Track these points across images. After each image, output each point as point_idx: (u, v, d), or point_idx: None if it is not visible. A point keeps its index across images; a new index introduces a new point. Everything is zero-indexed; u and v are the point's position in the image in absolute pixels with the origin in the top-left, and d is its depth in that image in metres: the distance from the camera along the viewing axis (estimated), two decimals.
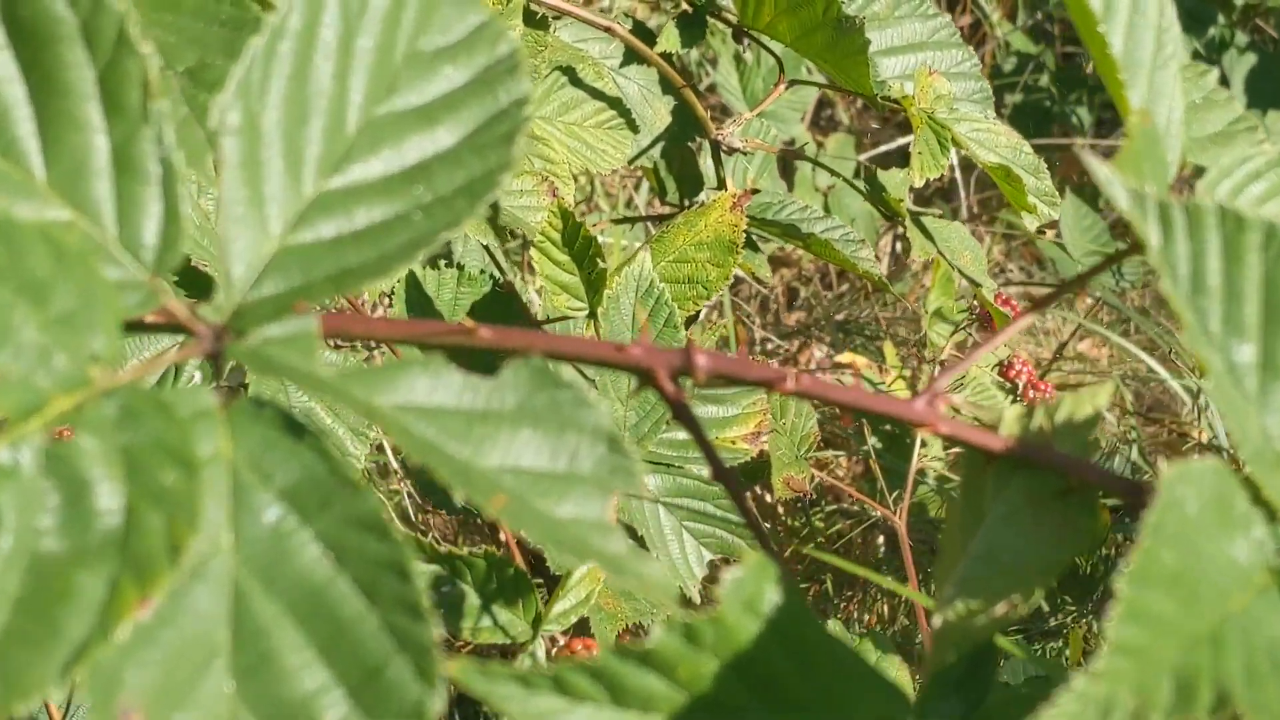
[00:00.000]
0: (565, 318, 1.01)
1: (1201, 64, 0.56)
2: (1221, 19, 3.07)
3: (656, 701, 0.43)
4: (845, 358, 2.28)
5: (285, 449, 0.40)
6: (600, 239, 1.16)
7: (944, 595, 0.50)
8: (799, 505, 2.10)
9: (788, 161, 2.49)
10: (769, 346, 2.65)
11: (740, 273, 1.52)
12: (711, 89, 2.68)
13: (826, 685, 0.45)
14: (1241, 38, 3.09)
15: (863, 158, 2.52)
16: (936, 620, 0.49)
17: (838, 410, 2.00)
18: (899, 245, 2.78)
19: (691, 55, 2.68)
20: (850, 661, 0.47)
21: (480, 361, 0.49)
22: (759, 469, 1.47)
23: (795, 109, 2.50)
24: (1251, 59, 3.00)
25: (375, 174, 0.44)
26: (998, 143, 1.13)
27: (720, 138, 1.16)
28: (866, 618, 1.96)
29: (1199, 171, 0.53)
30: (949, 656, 0.47)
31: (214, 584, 0.39)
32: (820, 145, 2.62)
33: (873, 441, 2.00)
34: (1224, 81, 2.98)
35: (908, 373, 2.12)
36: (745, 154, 1.18)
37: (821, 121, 3.05)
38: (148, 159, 0.41)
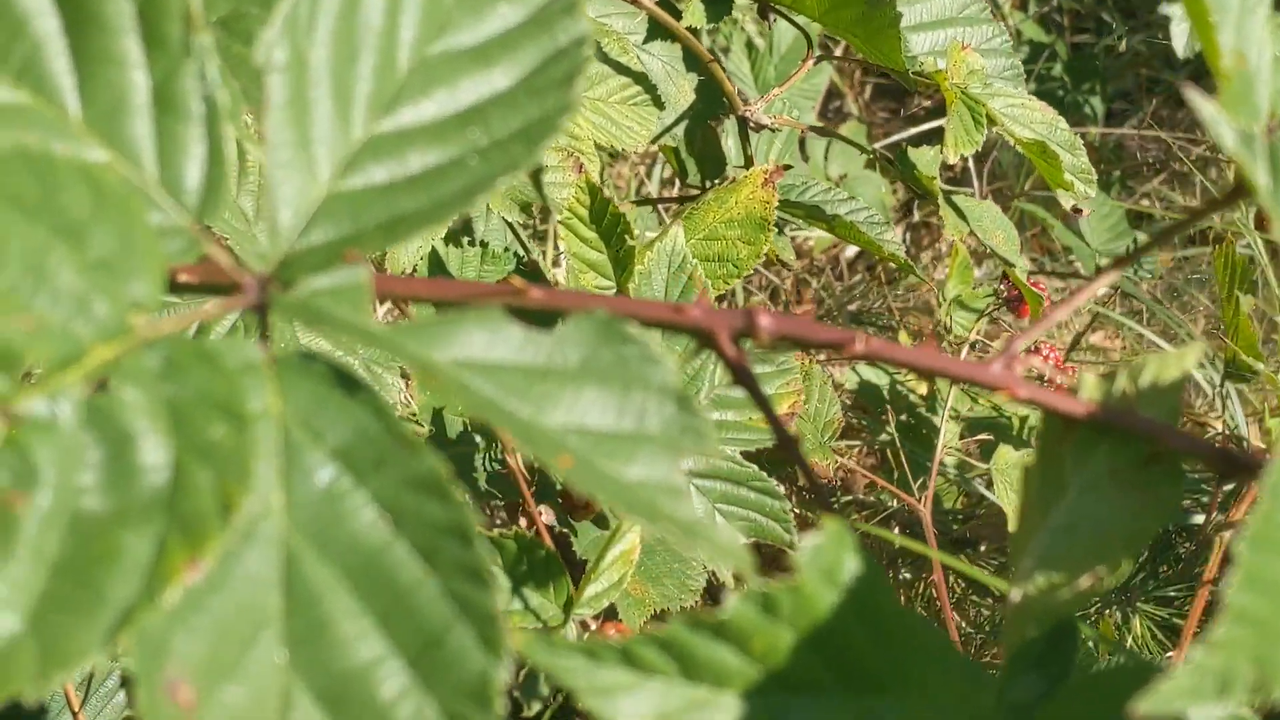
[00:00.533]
0: None
1: (1278, 15, 0.54)
2: None
3: (730, 676, 0.40)
4: None
5: (337, 405, 0.38)
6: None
7: (1022, 568, 0.47)
8: (811, 495, 2.07)
9: (801, 149, 2.47)
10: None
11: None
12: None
13: (905, 662, 0.43)
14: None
15: (876, 146, 2.49)
16: (1015, 595, 0.47)
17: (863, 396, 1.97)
18: (908, 235, 2.76)
19: (703, 42, 2.66)
20: (929, 637, 0.44)
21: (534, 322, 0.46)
22: (781, 458, 1.45)
23: (808, 97, 2.48)
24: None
25: (428, 116, 0.41)
26: (1033, 119, 1.10)
27: (748, 114, 1.14)
28: None
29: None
30: (1030, 632, 0.45)
31: (265, 547, 0.36)
32: (828, 133, 2.60)
33: (890, 430, 1.98)
34: None
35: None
36: (773, 130, 1.16)
37: (829, 113, 3.03)
38: (190, 97, 0.39)
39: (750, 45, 2.16)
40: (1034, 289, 1.16)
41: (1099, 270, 0.58)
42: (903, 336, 2.28)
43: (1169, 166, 3.15)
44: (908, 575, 1.94)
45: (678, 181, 2.30)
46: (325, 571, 0.37)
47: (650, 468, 0.40)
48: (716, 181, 1.36)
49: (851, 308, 2.72)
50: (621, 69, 1.11)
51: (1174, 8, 3.00)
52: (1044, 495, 0.48)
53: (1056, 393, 0.48)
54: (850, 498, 2.08)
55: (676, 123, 1.20)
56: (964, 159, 2.82)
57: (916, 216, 2.79)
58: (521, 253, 1.03)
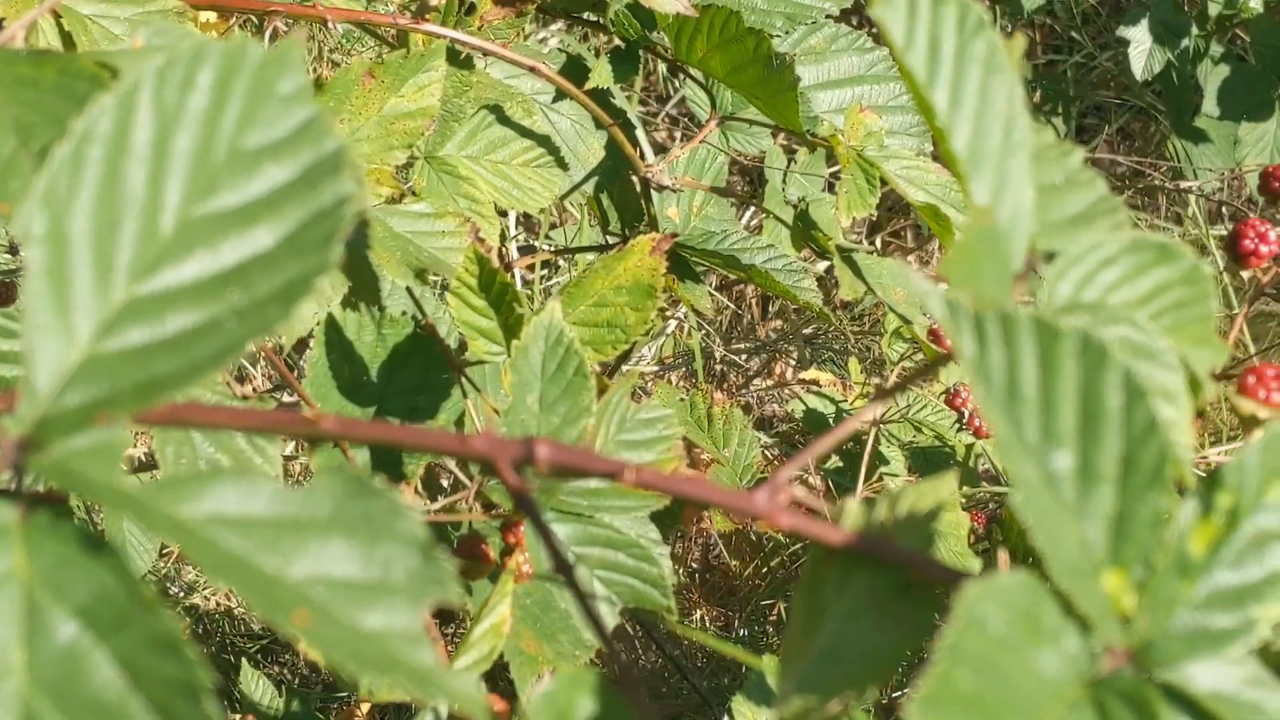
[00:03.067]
0: (482, 361, 1.00)
1: (1066, 143, 0.56)
2: (1196, 29, 3.06)
3: None
4: (810, 374, 2.27)
5: (83, 566, 0.40)
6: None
7: (784, 691, 0.50)
8: (747, 538, 2.10)
9: (758, 169, 2.49)
10: (740, 360, 2.65)
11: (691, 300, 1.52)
12: (680, 110, 2.68)
13: None
14: (1216, 48, 3.08)
15: (830, 172, 2.51)
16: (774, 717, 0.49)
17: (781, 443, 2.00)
18: (878, 250, 2.78)
19: (660, 69, 2.68)
20: None
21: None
22: (680, 509, 1.47)
23: (767, 123, 2.49)
24: (1225, 70, 2.99)
25: (189, 277, 0.43)
26: (927, 180, 1.12)
27: (649, 175, 1.16)
28: None
29: (1051, 257, 0.53)
30: None
31: (3, 705, 0.38)
32: (791, 158, 2.62)
33: (833, 461, 2.00)
34: (1197, 90, 2.98)
35: (870, 389, 2.12)
36: (675, 190, 1.18)
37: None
38: None
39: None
40: (933, 345, 1.18)
41: (874, 396, 0.61)
42: (853, 364, 2.30)
43: (1137, 184, 3.17)
44: None
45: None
46: None
47: (391, 616, 0.42)
48: (639, 227, 1.38)
49: (807, 331, 2.74)
50: (525, 132, 1.13)
51: (1131, 31, 3.02)
52: (809, 620, 0.50)
53: (816, 523, 0.50)
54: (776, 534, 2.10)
55: (586, 180, 1.23)
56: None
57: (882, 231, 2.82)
58: (419, 316, 1.05)
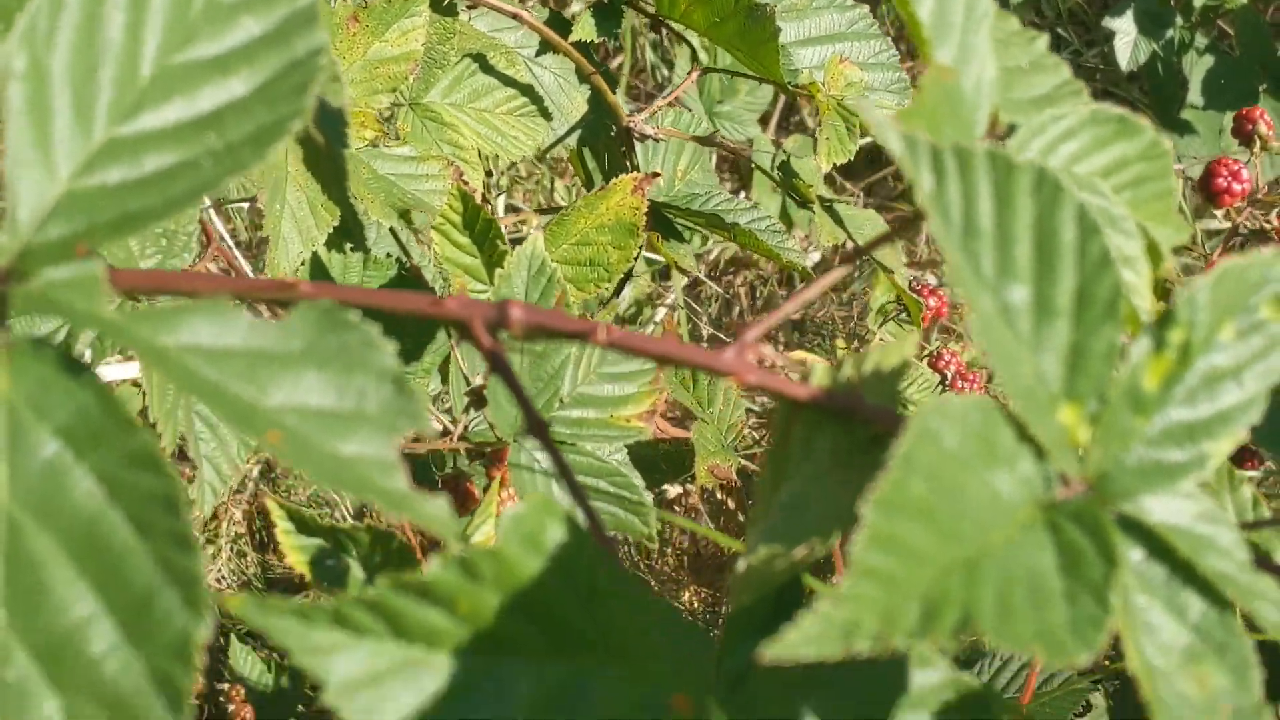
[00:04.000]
0: None
1: (1031, 30, 0.57)
2: (1180, 20, 3.08)
3: (440, 636, 0.43)
4: (796, 355, 2.29)
5: (64, 388, 0.41)
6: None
7: (750, 542, 0.51)
8: (735, 518, 2.11)
9: (743, 162, 2.50)
10: (729, 340, 2.65)
11: (672, 263, 1.53)
12: (658, 86, 2.69)
13: (620, 627, 0.46)
14: (1201, 40, 3.10)
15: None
16: (740, 565, 0.50)
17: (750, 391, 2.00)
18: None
19: (649, 54, 2.69)
20: (652, 608, 0.48)
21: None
22: (683, 458, 1.48)
23: (753, 110, 2.51)
24: (1209, 61, 3.01)
25: (167, 121, 0.45)
26: None
27: (631, 125, 1.17)
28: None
29: (1014, 130, 0.54)
30: (745, 599, 0.48)
31: None
32: (778, 146, 2.64)
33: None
34: (1181, 85, 2.99)
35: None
36: (657, 140, 1.19)
37: (790, 126, 3.06)
38: None
39: (695, 57, 2.20)
40: (915, 295, 1.20)
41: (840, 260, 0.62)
42: (839, 345, 2.31)
43: None
44: None
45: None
46: (44, 539, 0.40)
47: (366, 445, 0.43)
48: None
49: (795, 317, 2.76)
50: (508, 81, 1.15)
51: (1117, 22, 3.04)
52: (776, 475, 0.52)
53: (784, 381, 0.51)
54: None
55: (569, 133, 1.24)
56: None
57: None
58: (404, 259, 1.06)
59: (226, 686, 1.84)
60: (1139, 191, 0.56)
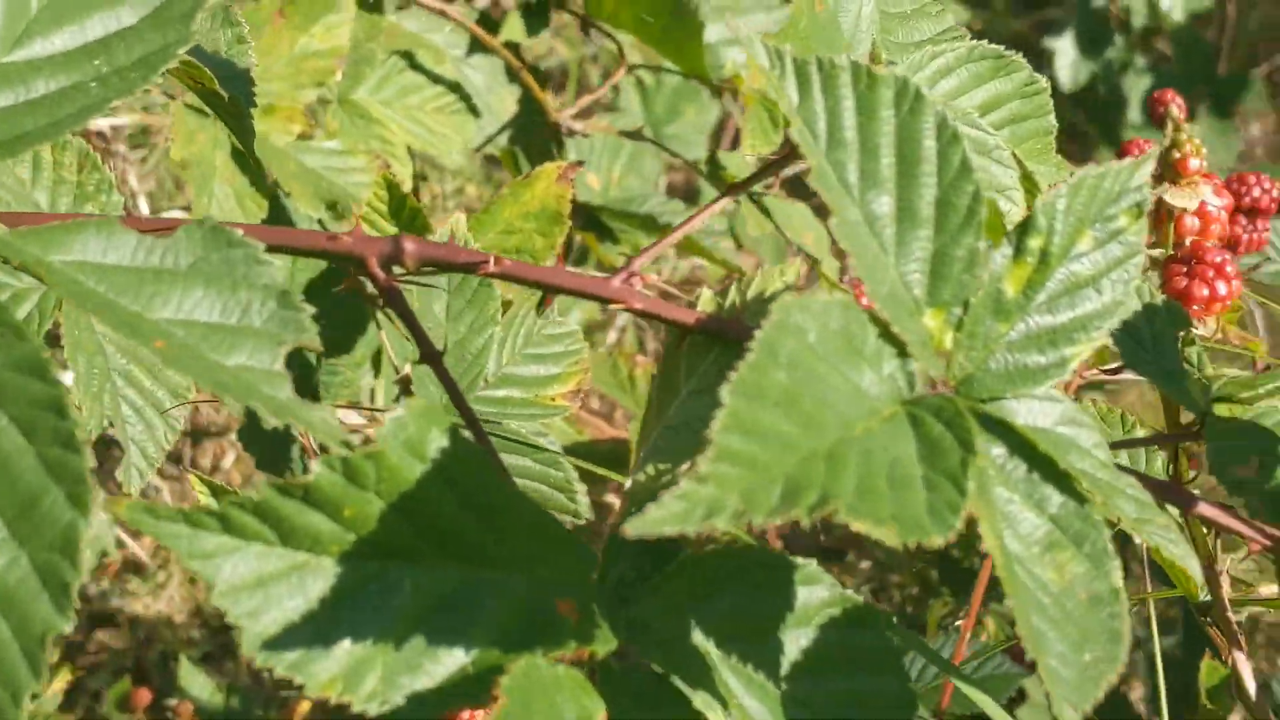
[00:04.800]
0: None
1: None
2: (1121, 42, 3.12)
3: (324, 541, 0.44)
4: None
5: None
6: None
7: (638, 461, 0.52)
8: None
9: (693, 184, 2.53)
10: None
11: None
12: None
13: (506, 536, 0.47)
14: (1140, 61, 3.14)
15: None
16: (628, 483, 0.51)
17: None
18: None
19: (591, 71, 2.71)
20: (538, 519, 0.49)
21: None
22: (622, 458, 1.49)
23: (700, 131, 2.53)
24: (1149, 79, 3.06)
25: (56, 48, 0.46)
26: None
27: (559, 120, 1.19)
28: None
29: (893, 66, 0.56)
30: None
31: None
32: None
33: None
34: (1122, 104, 3.04)
35: None
36: (586, 136, 1.21)
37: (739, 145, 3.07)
38: None
39: (640, 82, 2.23)
40: (844, 287, 1.21)
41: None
42: None
43: None
44: None
45: None
46: None
47: (253, 356, 0.44)
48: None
49: None
50: (436, 79, 1.16)
51: (1056, 42, 3.08)
52: (663, 397, 0.53)
53: (670, 306, 0.53)
54: None
55: (500, 132, 1.26)
56: None
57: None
58: None
59: (174, 703, 1.84)
60: (1018, 129, 0.58)
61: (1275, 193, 1.06)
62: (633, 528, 0.39)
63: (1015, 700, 1.46)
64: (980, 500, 0.43)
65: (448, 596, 0.45)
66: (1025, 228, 0.47)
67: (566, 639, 0.46)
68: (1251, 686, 0.58)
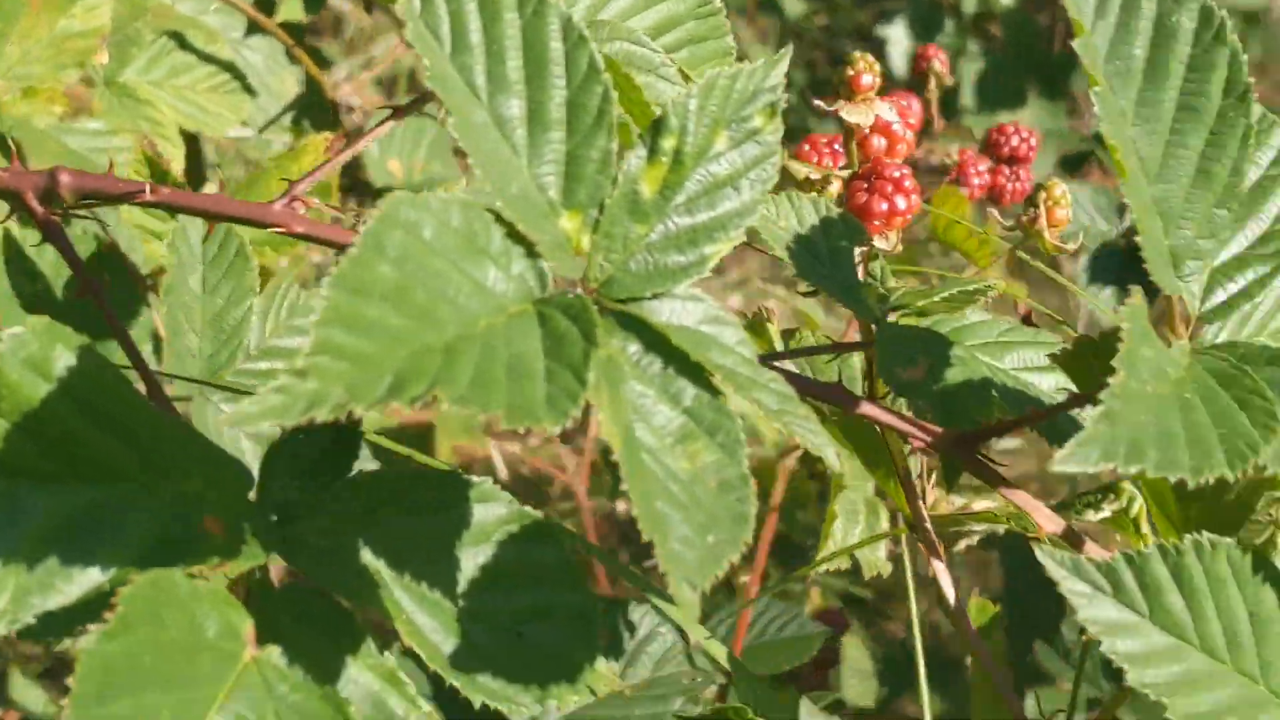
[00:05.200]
0: (164, 270, 1.01)
1: None
2: (951, 27, 3.18)
3: None
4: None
5: None
6: None
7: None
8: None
9: None
10: None
11: None
12: None
13: (152, 457, 0.46)
14: (973, 45, 3.20)
15: None
16: None
17: None
18: None
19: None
20: (188, 439, 0.48)
21: None
22: (424, 440, 1.49)
23: None
24: (981, 63, 3.11)
25: None
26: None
27: (339, 98, 1.18)
28: None
29: None
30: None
31: None
32: None
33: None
34: (951, 89, 3.09)
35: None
36: (366, 113, 1.21)
37: None
38: None
39: None
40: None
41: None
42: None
43: None
44: None
45: None
46: None
47: None
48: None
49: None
50: (209, 59, 1.15)
51: (889, 30, 3.12)
52: None
53: (331, 228, 0.52)
54: None
55: (283, 113, 1.25)
56: None
57: None
58: (101, 235, 1.06)
59: (1, 712, 1.81)
60: (697, 50, 0.59)
61: (1034, 141, 1.08)
62: (228, 420, 0.39)
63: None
64: (607, 393, 0.44)
65: (80, 516, 0.44)
66: (658, 128, 0.47)
67: (208, 555, 0.45)
68: (951, 595, 0.59)
